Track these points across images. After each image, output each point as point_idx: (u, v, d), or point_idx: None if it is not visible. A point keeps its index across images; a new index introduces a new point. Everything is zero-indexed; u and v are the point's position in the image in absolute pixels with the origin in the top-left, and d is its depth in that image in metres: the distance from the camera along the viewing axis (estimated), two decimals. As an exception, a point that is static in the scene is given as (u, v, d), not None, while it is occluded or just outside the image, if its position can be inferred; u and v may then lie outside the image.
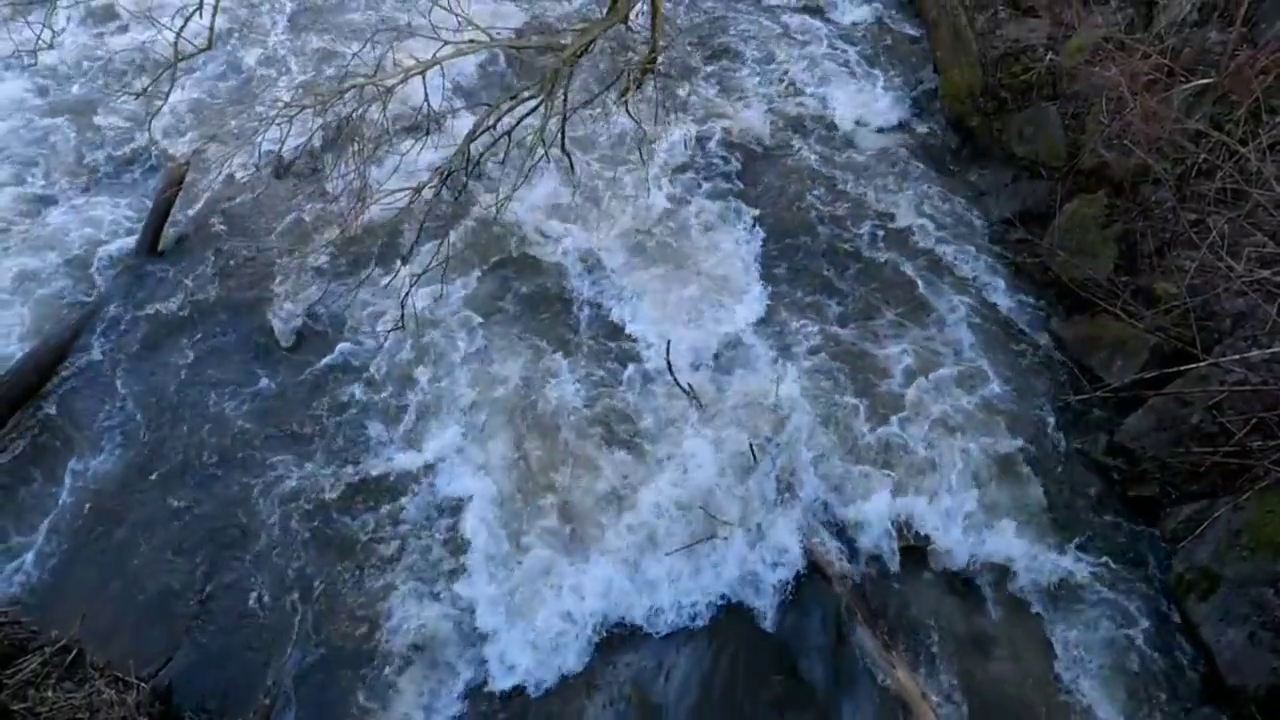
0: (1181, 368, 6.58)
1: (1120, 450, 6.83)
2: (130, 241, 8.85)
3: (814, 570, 6.36)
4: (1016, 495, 6.74)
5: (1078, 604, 6.17)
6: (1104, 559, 6.37)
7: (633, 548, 6.48)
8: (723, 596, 6.26)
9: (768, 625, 6.14)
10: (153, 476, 7.03)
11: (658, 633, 6.13)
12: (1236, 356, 6.27)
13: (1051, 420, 7.19)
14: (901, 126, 10.05)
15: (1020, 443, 7.03)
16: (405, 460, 7.09)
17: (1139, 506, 6.64)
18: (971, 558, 6.42)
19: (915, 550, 6.50)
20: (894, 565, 6.44)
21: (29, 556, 6.57)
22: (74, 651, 5.68)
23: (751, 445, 6.95)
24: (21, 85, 10.95)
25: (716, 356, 7.77)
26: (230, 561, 6.53)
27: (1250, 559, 5.74)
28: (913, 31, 11.21)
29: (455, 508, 6.80)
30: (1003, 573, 6.35)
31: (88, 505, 6.86)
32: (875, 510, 6.65)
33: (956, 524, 6.57)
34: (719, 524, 6.52)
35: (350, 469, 7.03)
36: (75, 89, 10.99)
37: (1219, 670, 5.61)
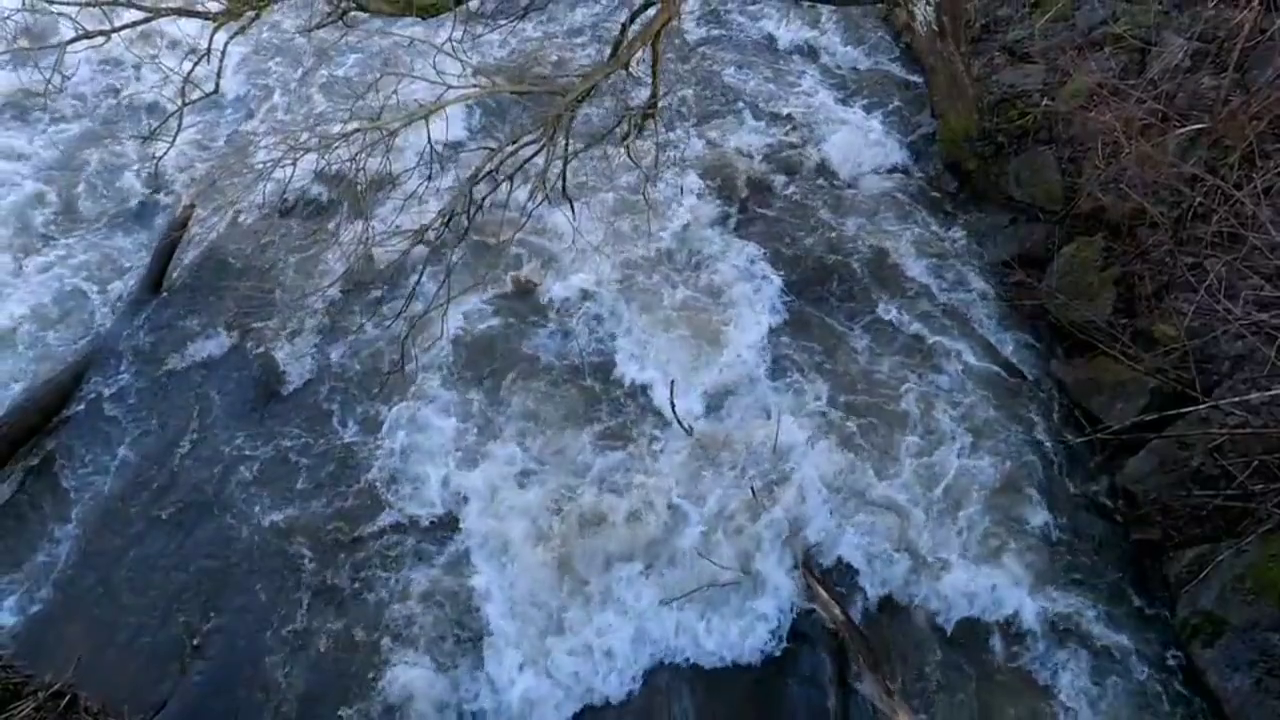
0: (1182, 410, 6.58)
1: (1122, 493, 6.81)
2: (135, 281, 8.92)
3: (815, 614, 6.31)
4: (1018, 538, 6.70)
5: (1081, 648, 6.11)
6: (1107, 603, 6.32)
7: (634, 594, 6.44)
8: (723, 642, 6.20)
9: (769, 670, 6.09)
10: (150, 518, 7.00)
11: (658, 679, 6.08)
12: (1236, 399, 6.26)
13: (1052, 463, 7.17)
14: (899, 169, 10.13)
15: (1021, 485, 6.99)
16: (405, 501, 7.08)
17: (1142, 550, 6.59)
18: (973, 601, 6.36)
19: (917, 594, 6.45)
20: (896, 608, 6.40)
21: (24, 598, 6.53)
22: (68, 696, 5.63)
23: (753, 489, 6.93)
24: (30, 127, 11.10)
25: (719, 397, 7.77)
26: (227, 605, 6.48)
27: (1254, 603, 5.69)
28: (910, 76, 11.35)
29: (455, 549, 6.78)
30: (1005, 616, 6.29)
31: (85, 546, 6.83)
32: (877, 553, 6.63)
33: (958, 567, 6.53)
34: (720, 569, 6.47)
35: (349, 511, 7.00)
36: (83, 131, 11.12)
37: (1227, 718, 5.54)
